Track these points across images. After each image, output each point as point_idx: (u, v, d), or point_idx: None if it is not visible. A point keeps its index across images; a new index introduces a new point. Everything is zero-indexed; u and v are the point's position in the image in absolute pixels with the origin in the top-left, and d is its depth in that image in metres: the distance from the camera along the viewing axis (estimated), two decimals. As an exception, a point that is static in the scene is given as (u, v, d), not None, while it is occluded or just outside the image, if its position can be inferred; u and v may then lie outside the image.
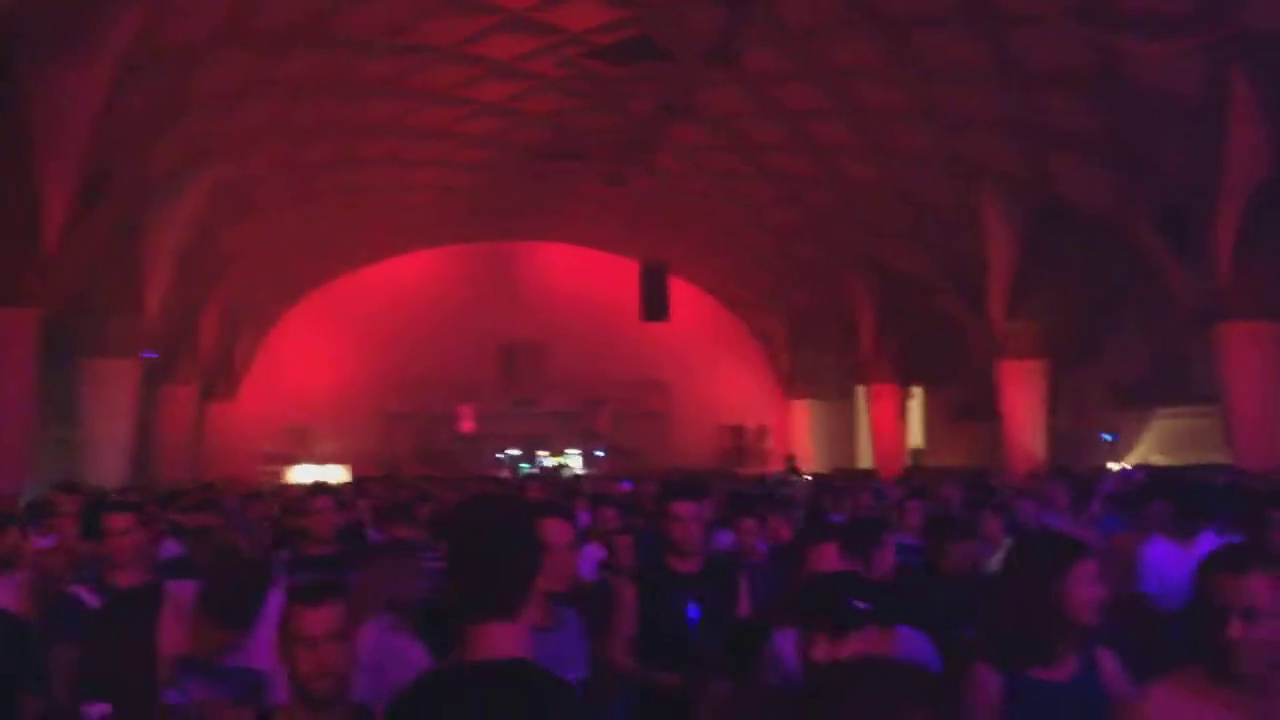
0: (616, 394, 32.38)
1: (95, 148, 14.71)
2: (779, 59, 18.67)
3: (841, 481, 17.44)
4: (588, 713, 2.55)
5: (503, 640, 2.46)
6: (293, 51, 17.06)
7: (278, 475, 28.03)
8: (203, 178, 19.21)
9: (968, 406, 26.91)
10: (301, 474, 28.63)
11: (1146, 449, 22.42)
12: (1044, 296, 20.80)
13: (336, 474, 27.97)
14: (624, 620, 4.57)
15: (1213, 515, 5.93)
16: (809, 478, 21.04)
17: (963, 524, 6.05)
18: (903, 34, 17.25)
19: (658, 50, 18.49)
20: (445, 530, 4.77)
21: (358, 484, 18.96)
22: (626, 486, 13.20)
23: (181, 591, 3.67)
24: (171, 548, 6.46)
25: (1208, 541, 5.59)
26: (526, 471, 29.27)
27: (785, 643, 3.75)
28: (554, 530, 3.88)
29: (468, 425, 31.36)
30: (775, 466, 28.33)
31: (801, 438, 32.90)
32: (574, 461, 31.77)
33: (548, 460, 31.55)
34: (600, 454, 31.77)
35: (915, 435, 30.05)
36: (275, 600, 3.93)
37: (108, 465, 18.91)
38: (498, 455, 31.09)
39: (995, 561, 5.36)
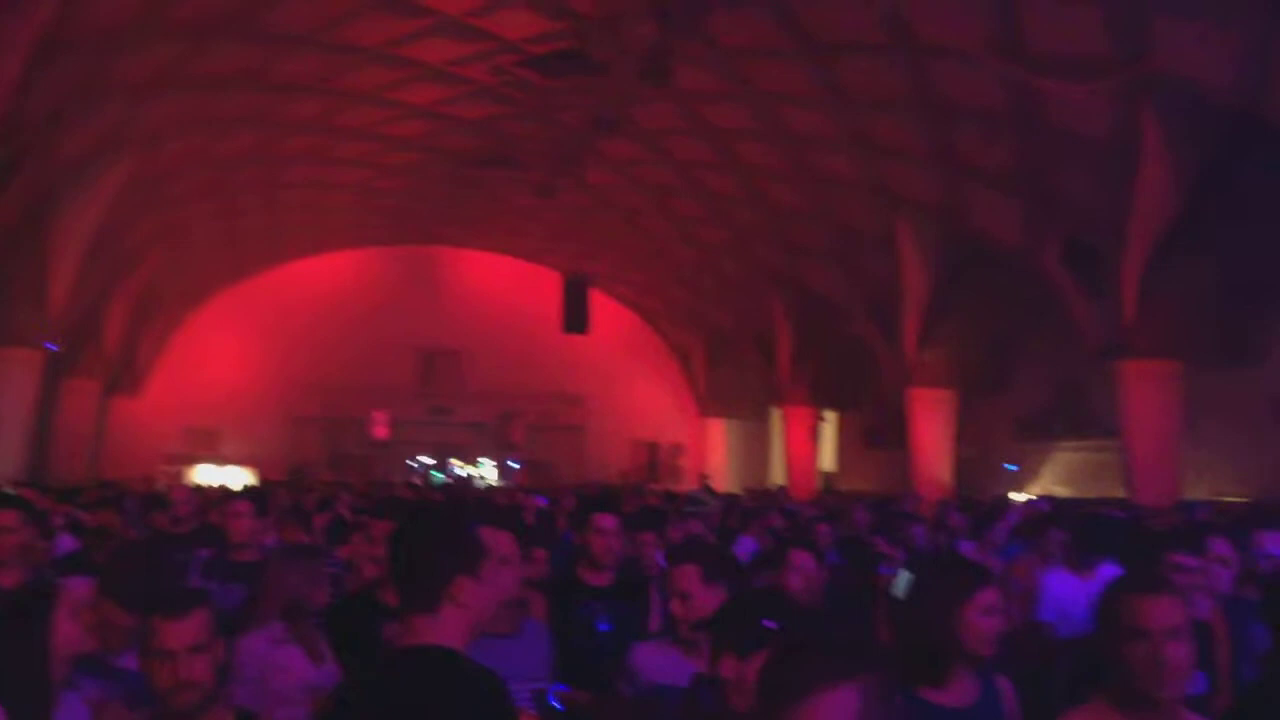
0: (533, 405, 32.28)
1: (5, 133, 14.26)
2: (710, 78, 18.83)
3: (751, 501, 17.60)
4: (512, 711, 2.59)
5: (425, 630, 2.56)
6: (215, 43, 16.75)
7: (179, 475, 27.37)
8: (116, 168, 18.71)
9: (878, 432, 27.31)
10: (205, 475, 28.02)
11: (1048, 480, 22.94)
12: (954, 326, 21.23)
13: (242, 477, 27.43)
14: None
15: (1111, 548, 6.08)
16: (715, 498, 21.16)
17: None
18: (829, 60, 17.52)
19: (591, 63, 18.52)
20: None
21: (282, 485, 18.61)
22: (541, 502, 13.15)
23: (77, 589, 3.56)
24: (67, 543, 6.27)
25: (1107, 573, 5.72)
26: (439, 480, 29.02)
27: (643, 655, 3.78)
28: (495, 540, 3.86)
29: (381, 431, 30.98)
30: (689, 484, 28.45)
31: (716, 456, 33.12)
32: (488, 472, 31.58)
33: (461, 470, 31.30)
34: (515, 465, 31.62)
35: (827, 458, 30.41)
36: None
37: (2, 459, 18.26)
38: (410, 462, 30.75)
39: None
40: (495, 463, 31.90)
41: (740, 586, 3.97)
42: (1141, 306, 16.81)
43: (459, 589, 2.56)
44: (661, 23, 16.57)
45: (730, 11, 16.00)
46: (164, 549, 3.97)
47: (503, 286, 33.18)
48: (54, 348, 19.88)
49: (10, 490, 9.20)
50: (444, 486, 20.47)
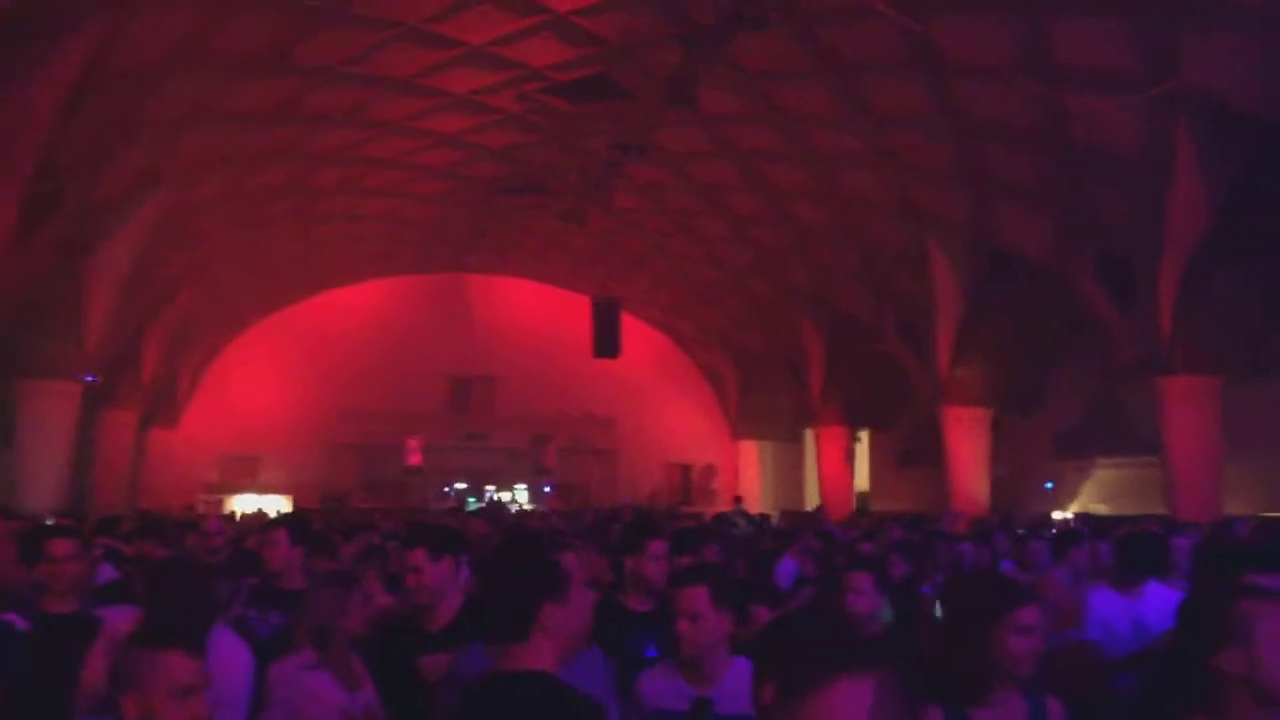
0: (565, 429, 32.33)
1: (43, 168, 14.52)
2: (735, 101, 18.89)
3: (784, 523, 17.51)
4: None
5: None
6: (247, 78, 16.99)
7: (219, 504, 27.60)
8: (151, 202, 19.00)
9: (913, 451, 27.16)
10: (244, 503, 28.22)
11: (1086, 498, 22.73)
12: (988, 344, 21.11)
13: (280, 504, 27.60)
14: None
15: (1155, 566, 5.98)
16: (748, 520, 21.10)
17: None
18: (853, 80, 17.54)
19: (616, 89, 18.64)
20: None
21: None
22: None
23: (118, 619, 3.61)
24: (107, 573, 6.33)
25: (1154, 592, 5.62)
26: (473, 506, 29.08)
27: (646, 682, 3.75)
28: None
29: (415, 458, 31.11)
30: (723, 506, 28.37)
31: (749, 478, 33.01)
32: (521, 496, 31.62)
33: (496, 495, 31.37)
34: (547, 490, 31.65)
35: (862, 478, 30.25)
36: (224, 640, 3.88)
37: (43, 489, 18.50)
38: (444, 489, 30.85)
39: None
40: (529, 487, 31.94)
41: (782, 609, 3.95)
42: (1177, 322, 16.65)
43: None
44: (685, 47, 16.66)
45: (753, 34, 16.06)
46: (201, 573, 3.99)
47: (533, 312, 33.33)
48: (92, 379, 20.15)
49: (51, 521, 9.32)
50: (479, 511, 20.50)
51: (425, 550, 4.33)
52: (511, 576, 2.78)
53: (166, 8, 14.33)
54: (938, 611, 3.57)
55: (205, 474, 30.03)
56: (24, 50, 13.14)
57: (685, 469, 34.26)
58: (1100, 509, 20.32)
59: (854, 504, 27.68)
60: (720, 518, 19.76)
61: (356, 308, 32.42)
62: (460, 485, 31.26)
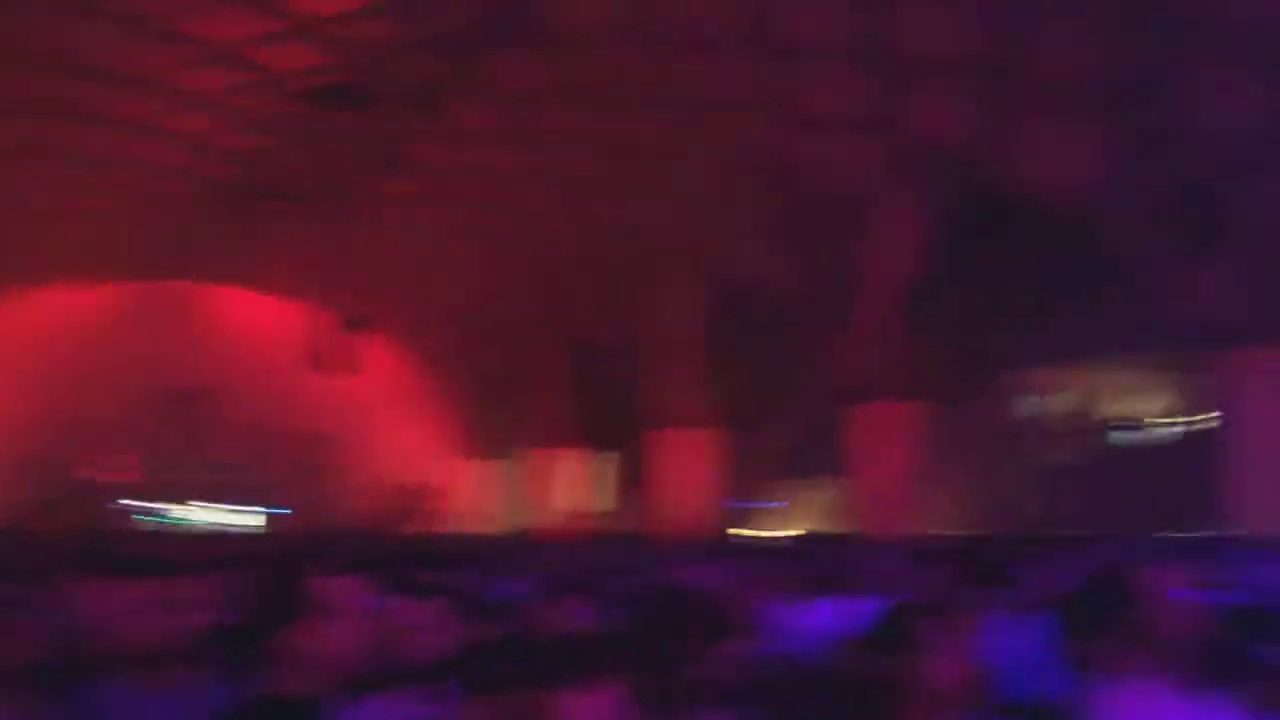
0: (289, 446, 31.17)
1: None
2: (487, 117, 19.00)
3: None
4: None
5: None
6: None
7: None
8: None
9: (644, 472, 27.92)
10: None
11: (807, 518, 24.05)
12: (717, 367, 22.12)
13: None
14: None
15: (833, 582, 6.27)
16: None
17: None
18: (602, 108, 18.04)
19: (367, 98, 18.35)
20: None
21: None
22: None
23: None
24: None
25: (824, 605, 5.89)
26: (176, 522, 27.55)
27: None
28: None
29: (119, 475, 29.13)
30: (454, 526, 28.16)
31: (484, 498, 32.91)
32: (238, 517, 30.23)
33: (203, 514, 29.79)
34: (265, 509, 30.44)
35: (593, 498, 30.75)
36: None
37: None
38: (143, 506, 28.98)
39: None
40: (243, 507, 30.57)
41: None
42: (883, 350, 18.14)
43: None
44: (439, 60, 16.66)
45: (509, 51, 16.25)
46: None
47: (261, 323, 31.97)
48: None
49: None
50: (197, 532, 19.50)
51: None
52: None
53: None
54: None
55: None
56: None
57: (412, 488, 33.74)
58: (823, 527, 21.56)
59: (589, 525, 28.12)
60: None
61: (60, 312, 30.01)
62: (166, 503, 29.51)
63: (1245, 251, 14.95)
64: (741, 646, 3.45)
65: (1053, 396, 22.36)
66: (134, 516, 28.17)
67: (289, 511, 30.41)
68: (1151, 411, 21.66)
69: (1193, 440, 19.72)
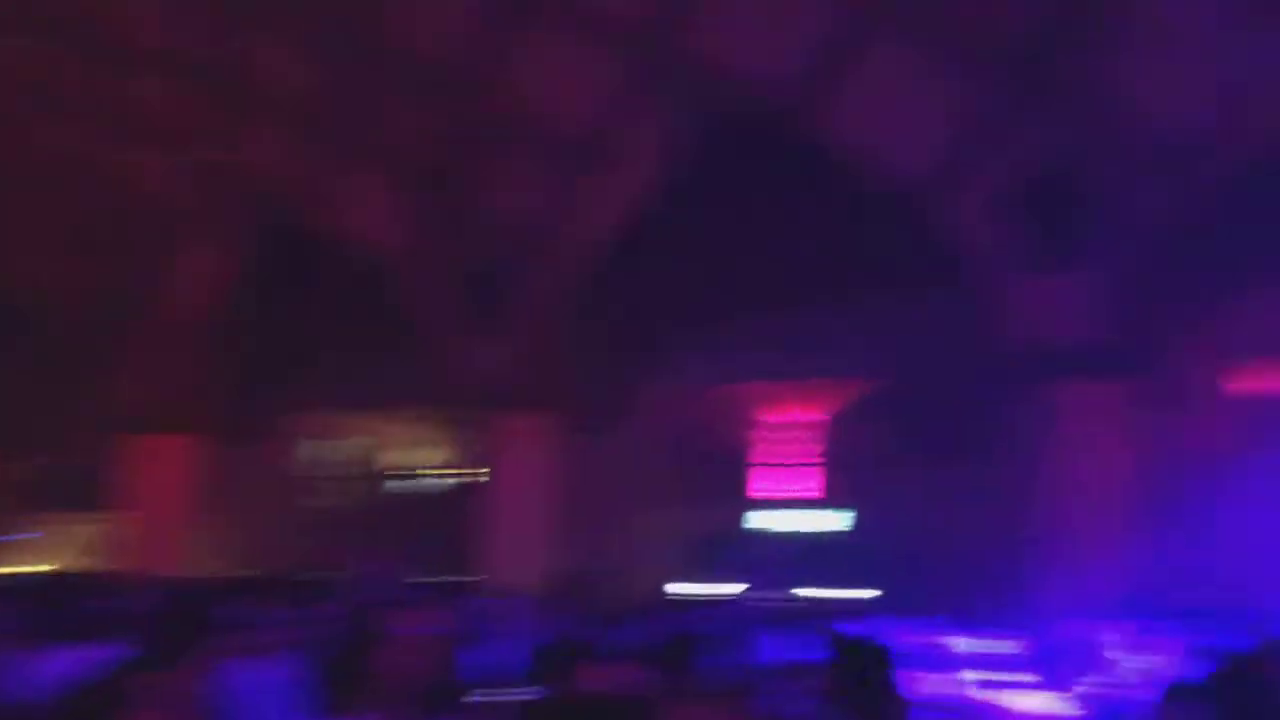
0: None
1: None
2: None
3: None
4: None
5: None
6: None
7: None
8: None
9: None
10: None
11: (68, 553, 21.89)
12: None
13: None
14: None
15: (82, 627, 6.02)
16: None
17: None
18: None
19: None
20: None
21: None
22: None
23: None
24: None
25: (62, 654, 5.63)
26: None
27: None
28: None
29: None
30: None
31: None
32: None
33: None
34: None
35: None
36: None
37: None
38: None
39: None
40: None
41: None
42: (167, 382, 17.58)
43: None
44: None
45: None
46: None
47: None
48: None
49: None
50: None
51: None
52: None
53: None
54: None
55: None
56: None
57: None
58: (86, 564, 19.78)
59: None
60: None
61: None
62: None
63: (522, 324, 16.71)
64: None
65: (338, 443, 22.89)
66: None
67: None
68: (430, 463, 23.01)
69: (462, 492, 21.24)
